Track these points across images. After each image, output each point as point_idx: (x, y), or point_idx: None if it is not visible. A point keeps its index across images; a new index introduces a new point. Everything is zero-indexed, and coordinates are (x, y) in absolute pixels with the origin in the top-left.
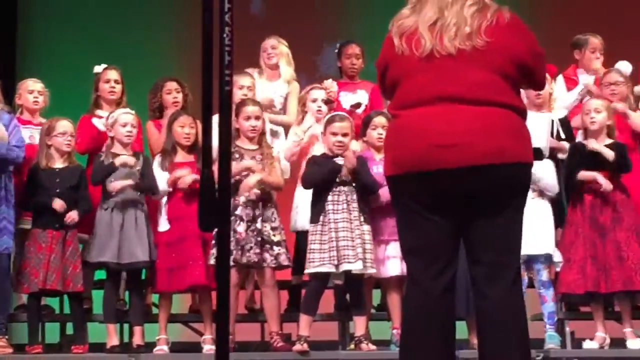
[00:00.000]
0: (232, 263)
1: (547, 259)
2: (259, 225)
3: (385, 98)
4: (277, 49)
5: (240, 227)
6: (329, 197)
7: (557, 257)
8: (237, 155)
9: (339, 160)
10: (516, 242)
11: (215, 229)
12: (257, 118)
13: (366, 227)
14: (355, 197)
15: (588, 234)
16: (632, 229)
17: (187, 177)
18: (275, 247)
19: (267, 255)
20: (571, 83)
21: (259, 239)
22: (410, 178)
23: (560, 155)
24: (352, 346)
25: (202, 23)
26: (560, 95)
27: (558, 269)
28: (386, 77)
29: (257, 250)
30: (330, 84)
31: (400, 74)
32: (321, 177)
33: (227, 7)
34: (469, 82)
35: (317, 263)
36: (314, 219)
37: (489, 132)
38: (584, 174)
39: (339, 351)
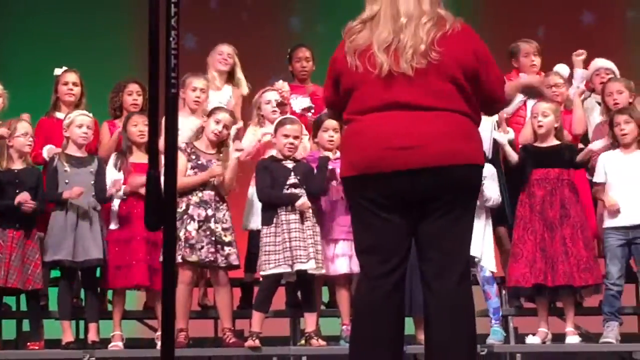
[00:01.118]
0: (181, 260)
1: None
2: (212, 225)
3: (327, 104)
4: (232, 57)
5: (191, 227)
6: None
7: (491, 265)
8: (193, 157)
9: (301, 194)
10: (465, 241)
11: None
12: (226, 127)
13: (317, 229)
14: (306, 199)
15: (538, 229)
16: (577, 226)
17: (138, 178)
18: (226, 248)
19: (218, 255)
20: None
21: (212, 238)
22: (366, 179)
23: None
24: (303, 342)
25: (149, 27)
26: None
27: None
28: (340, 85)
29: (212, 250)
30: (282, 85)
31: (355, 83)
32: (277, 201)
33: (173, 12)
34: (423, 88)
35: (272, 265)
36: (267, 222)
37: (441, 135)
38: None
39: (289, 346)
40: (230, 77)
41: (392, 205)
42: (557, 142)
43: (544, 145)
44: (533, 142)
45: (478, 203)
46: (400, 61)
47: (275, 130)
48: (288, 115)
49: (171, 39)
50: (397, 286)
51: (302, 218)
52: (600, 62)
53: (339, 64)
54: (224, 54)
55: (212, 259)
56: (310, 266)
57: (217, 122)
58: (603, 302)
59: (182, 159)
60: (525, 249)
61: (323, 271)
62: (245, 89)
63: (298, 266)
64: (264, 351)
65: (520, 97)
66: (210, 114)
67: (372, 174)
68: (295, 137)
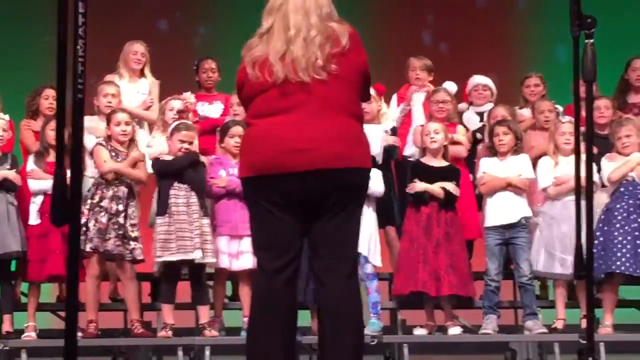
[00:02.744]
0: (90, 251)
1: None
2: (121, 220)
3: (244, 109)
4: (145, 55)
5: (104, 218)
6: (171, 192)
7: (377, 260)
8: (113, 154)
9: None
10: (354, 240)
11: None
12: (127, 124)
13: (205, 221)
14: (194, 193)
15: (422, 244)
16: (462, 244)
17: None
18: (132, 242)
19: (123, 248)
20: (402, 101)
21: (120, 232)
22: (263, 180)
23: None
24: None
25: (57, 36)
26: (392, 110)
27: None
28: (242, 92)
29: (118, 243)
30: (189, 96)
31: (255, 91)
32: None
33: (81, 22)
34: (317, 95)
35: (166, 253)
36: (160, 212)
37: (333, 139)
38: (421, 185)
39: (194, 337)
40: (141, 74)
41: (287, 205)
42: (446, 163)
43: (433, 164)
44: (421, 157)
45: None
46: (298, 70)
47: (171, 134)
48: (184, 121)
49: (78, 47)
50: (291, 281)
51: (189, 208)
52: (477, 79)
53: (240, 75)
54: (137, 53)
55: (118, 251)
56: (196, 256)
57: (118, 124)
58: (482, 297)
59: (104, 151)
60: (408, 261)
61: (212, 261)
62: (149, 79)
63: (183, 256)
64: (170, 342)
65: (403, 107)
66: (108, 120)
67: (268, 175)
68: (190, 143)
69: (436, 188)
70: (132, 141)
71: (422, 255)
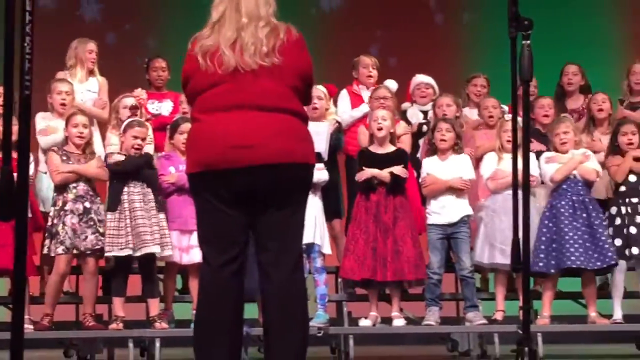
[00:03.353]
0: (62, 253)
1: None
2: (93, 215)
3: (188, 104)
4: (97, 53)
5: (75, 219)
6: (125, 189)
7: (327, 248)
8: (64, 158)
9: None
10: (299, 233)
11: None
12: (85, 126)
13: (162, 216)
14: (149, 189)
15: (371, 230)
16: (408, 228)
17: None
18: (101, 237)
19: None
20: (354, 96)
21: (95, 228)
22: (209, 176)
23: None
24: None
25: (5, 34)
26: (342, 105)
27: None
28: (189, 87)
29: (94, 241)
30: (140, 92)
31: (203, 85)
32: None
33: (28, 19)
34: (262, 92)
35: (115, 248)
36: (111, 208)
37: (278, 136)
38: (370, 171)
39: (144, 329)
40: (90, 72)
41: (232, 200)
42: (393, 148)
43: (380, 151)
44: (369, 145)
45: (312, 193)
46: (245, 56)
47: (125, 130)
48: (137, 118)
49: (25, 44)
50: (237, 274)
51: (146, 205)
52: (420, 78)
53: (187, 66)
54: (93, 52)
55: (98, 247)
56: (155, 250)
57: (75, 126)
58: (425, 290)
59: (56, 157)
60: (357, 246)
61: (169, 254)
62: (99, 77)
63: (144, 250)
64: (121, 333)
65: (365, 109)
66: (67, 122)
67: (215, 171)
68: (143, 139)
69: (383, 173)
70: (87, 144)
71: (371, 242)
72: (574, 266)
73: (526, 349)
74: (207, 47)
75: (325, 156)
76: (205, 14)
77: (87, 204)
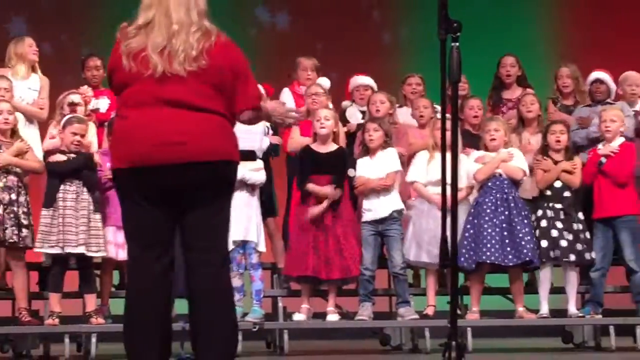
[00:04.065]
0: None
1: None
2: (15, 208)
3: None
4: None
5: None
6: (61, 187)
7: (262, 246)
8: None
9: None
10: (225, 229)
11: None
12: (10, 113)
13: (97, 216)
14: (85, 189)
15: (312, 229)
16: (349, 224)
17: None
18: (24, 230)
19: (19, 237)
20: (296, 96)
21: (16, 221)
22: (134, 172)
23: None
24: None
25: None
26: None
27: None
28: (114, 81)
29: (16, 232)
30: (86, 90)
31: (127, 81)
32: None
33: None
34: (190, 90)
35: (46, 245)
36: (47, 204)
37: (204, 134)
38: (311, 187)
39: (80, 325)
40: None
41: (158, 197)
42: (335, 147)
43: (322, 150)
44: (312, 143)
45: (248, 191)
46: (174, 63)
47: (64, 127)
48: (76, 115)
49: None
50: (165, 271)
51: (78, 204)
52: (359, 79)
53: (113, 63)
54: (33, 45)
55: (15, 239)
56: (79, 250)
57: (0, 113)
58: (359, 286)
59: None
60: (299, 245)
61: (102, 254)
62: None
63: (69, 249)
64: (57, 329)
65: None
66: None
67: (139, 167)
68: (82, 135)
69: (322, 191)
70: (14, 132)
71: (312, 241)
72: (489, 261)
73: (453, 342)
74: (132, 48)
75: (260, 154)
76: None
77: (14, 196)
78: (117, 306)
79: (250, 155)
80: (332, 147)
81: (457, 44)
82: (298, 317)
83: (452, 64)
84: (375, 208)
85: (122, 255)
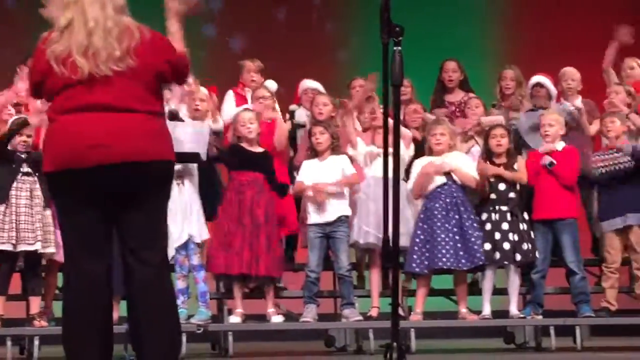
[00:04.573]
0: None
1: (200, 245)
2: None
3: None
4: None
5: None
6: (14, 184)
7: (204, 234)
8: None
9: None
10: (162, 230)
11: None
12: None
13: (48, 212)
14: (38, 185)
15: (246, 224)
16: (277, 226)
17: None
18: None
19: None
20: (239, 98)
21: None
22: (66, 174)
23: None
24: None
25: None
26: (227, 105)
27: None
28: (44, 87)
29: None
30: (22, 87)
31: (58, 87)
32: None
33: None
34: (119, 91)
35: None
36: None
37: (134, 134)
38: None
39: (23, 327)
40: None
41: (91, 200)
42: (261, 150)
43: (250, 149)
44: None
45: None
46: (99, 63)
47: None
48: (22, 115)
49: None
50: (103, 273)
51: (32, 200)
52: (307, 83)
53: (41, 69)
54: None
55: None
56: (36, 247)
57: None
58: (303, 287)
59: None
60: (235, 242)
61: (52, 251)
62: None
63: (23, 247)
64: (2, 332)
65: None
66: None
67: (71, 170)
68: (29, 136)
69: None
70: None
71: (243, 237)
72: (445, 267)
73: (394, 344)
74: (58, 52)
75: (204, 157)
76: None
77: None
78: (61, 308)
79: (194, 158)
80: (258, 148)
81: (400, 48)
82: (233, 319)
83: (394, 67)
84: (322, 213)
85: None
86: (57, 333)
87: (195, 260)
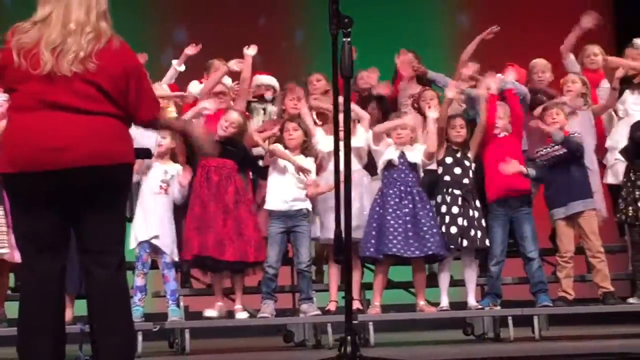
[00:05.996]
0: None
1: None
2: None
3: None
4: None
5: None
6: None
7: (174, 254)
8: None
9: None
10: (119, 233)
11: None
12: None
13: (0, 212)
14: None
15: (214, 210)
16: (250, 210)
17: None
18: None
19: None
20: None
21: None
22: (22, 177)
23: None
24: None
25: None
26: (191, 87)
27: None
28: (4, 79)
29: None
30: None
31: (18, 81)
32: None
33: None
34: (78, 93)
35: None
36: None
37: (92, 137)
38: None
39: None
40: None
41: (50, 202)
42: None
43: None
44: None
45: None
46: (62, 62)
47: None
48: None
49: None
50: (57, 274)
51: None
52: (261, 79)
53: (3, 59)
54: None
55: None
56: None
57: None
58: (262, 283)
59: None
60: (203, 225)
61: (5, 252)
62: None
63: None
64: None
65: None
66: None
67: (28, 172)
68: None
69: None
70: None
71: (212, 220)
72: (390, 253)
73: (349, 337)
74: (24, 43)
75: (154, 152)
76: None
77: None
78: (13, 310)
79: (147, 153)
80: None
81: (349, 39)
82: (209, 313)
83: (344, 59)
84: (288, 201)
85: (17, 257)
86: (9, 335)
87: (167, 258)
